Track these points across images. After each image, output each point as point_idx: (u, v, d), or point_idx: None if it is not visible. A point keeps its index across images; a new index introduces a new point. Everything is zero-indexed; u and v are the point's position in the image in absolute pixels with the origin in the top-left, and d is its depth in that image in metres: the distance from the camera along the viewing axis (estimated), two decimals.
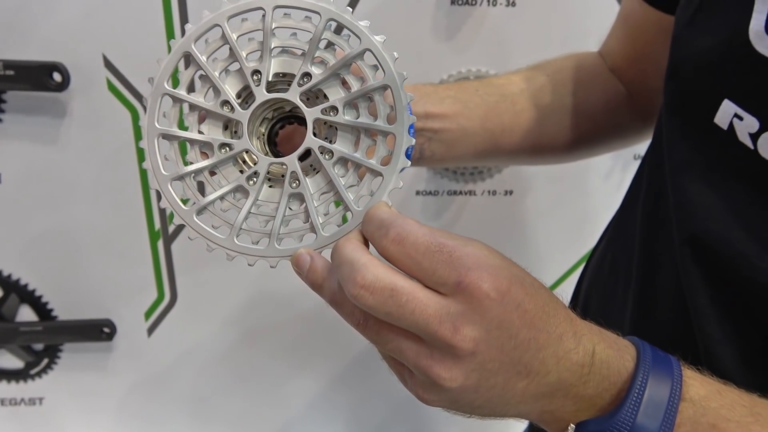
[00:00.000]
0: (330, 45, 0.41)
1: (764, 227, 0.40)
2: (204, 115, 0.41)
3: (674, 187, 0.46)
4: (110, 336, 0.96)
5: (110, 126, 0.88)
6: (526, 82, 0.62)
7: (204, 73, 0.40)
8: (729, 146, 0.41)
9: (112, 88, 0.86)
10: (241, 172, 0.41)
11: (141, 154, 0.91)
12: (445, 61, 0.92)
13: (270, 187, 0.41)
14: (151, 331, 1.01)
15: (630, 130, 0.67)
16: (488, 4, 0.90)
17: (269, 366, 1.06)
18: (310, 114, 0.40)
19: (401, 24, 0.89)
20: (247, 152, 0.41)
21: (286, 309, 1.02)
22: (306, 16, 0.41)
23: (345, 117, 0.40)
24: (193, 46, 0.40)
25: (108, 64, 0.85)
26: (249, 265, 0.39)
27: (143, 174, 0.93)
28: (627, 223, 0.58)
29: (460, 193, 1.00)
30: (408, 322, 0.33)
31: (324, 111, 0.40)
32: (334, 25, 0.40)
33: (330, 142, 0.41)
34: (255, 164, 0.41)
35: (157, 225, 0.96)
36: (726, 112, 0.41)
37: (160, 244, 0.97)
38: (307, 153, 0.41)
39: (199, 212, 0.39)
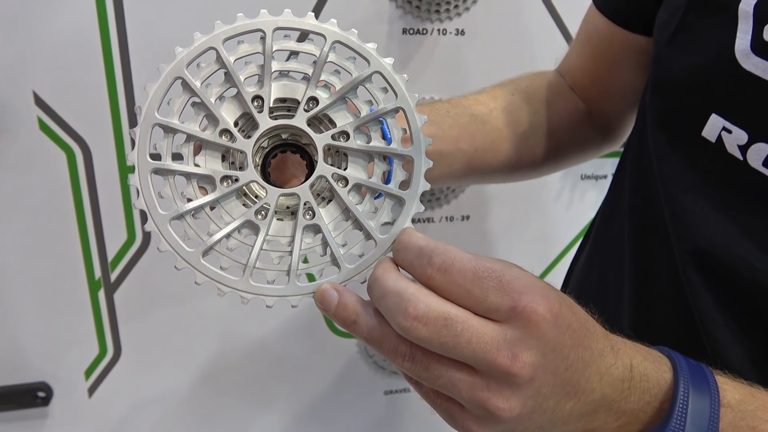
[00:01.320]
0: (333, 67, 0.39)
1: (759, 232, 0.42)
2: (199, 145, 0.37)
3: (668, 198, 0.47)
4: (46, 401, 0.86)
5: (43, 169, 0.80)
6: (494, 101, 0.62)
7: (199, 100, 0.36)
8: (718, 158, 0.43)
9: (44, 127, 0.79)
10: (245, 205, 0.37)
11: (77, 198, 0.84)
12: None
13: (279, 220, 0.37)
14: (92, 390, 0.91)
15: (591, 145, 0.68)
16: (438, 33, 0.91)
17: (227, 412, 0.99)
18: (320, 140, 0.37)
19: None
20: (250, 184, 0.37)
21: (242, 350, 0.96)
22: (308, 38, 0.38)
23: (357, 142, 0.38)
24: (186, 71, 0.36)
25: (39, 102, 0.78)
26: (267, 306, 0.35)
27: (81, 219, 0.85)
28: (611, 234, 0.58)
29: (418, 220, 0.99)
30: (464, 353, 0.31)
31: (334, 137, 0.38)
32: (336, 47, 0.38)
33: (341, 168, 0.38)
34: (257, 197, 0.38)
35: (98, 273, 0.88)
36: (714, 125, 0.43)
37: (101, 294, 0.88)
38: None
39: (205, 253, 0.35)
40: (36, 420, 0.89)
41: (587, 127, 0.66)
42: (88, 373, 0.90)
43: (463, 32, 0.91)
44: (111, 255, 0.88)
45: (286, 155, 0.41)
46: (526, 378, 0.31)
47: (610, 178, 1.10)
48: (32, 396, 0.85)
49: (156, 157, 0.35)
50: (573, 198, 1.10)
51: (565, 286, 0.68)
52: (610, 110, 0.65)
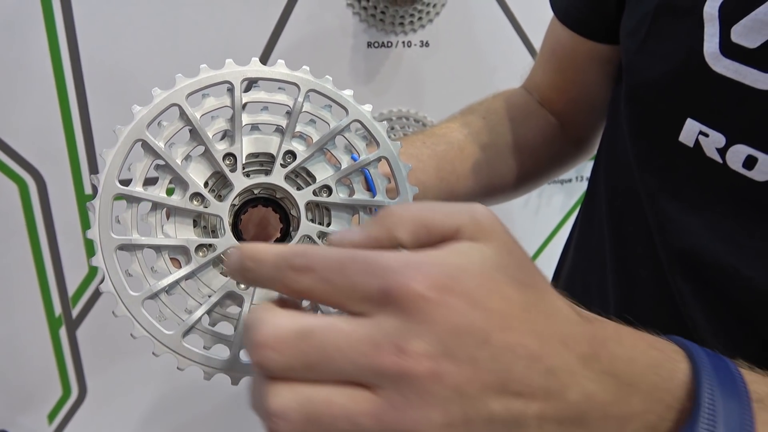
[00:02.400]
0: (308, 117, 0.36)
1: (744, 236, 0.41)
2: (168, 212, 0.34)
3: (652, 208, 0.47)
4: None
5: None
6: (467, 128, 0.61)
7: (163, 163, 0.33)
8: (697, 163, 0.42)
9: None
10: (223, 274, 0.34)
11: (32, 232, 0.79)
12: (366, 104, 0.89)
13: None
14: None
15: (566, 158, 0.68)
16: (403, 46, 0.89)
17: None
18: (302, 197, 0.35)
19: (318, 68, 0.85)
20: (229, 250, 0.34)
21: (218, 388, 0.92)
22: (279, 87, 0.36)
23: (340, 195, 0.35)
24: (147, 132, 0.33)
25: None
26: None
27: (36, 253, 0.80)
28: (591, 242, 0.58)
29: None
30: (339, 366, 0.24)
31: (316, 192, 0.35)
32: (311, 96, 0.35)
33: (323, 224, 0.36)
34: None
35: (58, 310, 0.83)
36: (690, 130, 0.43)
37: (63, 332, 0.84)
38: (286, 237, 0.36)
39: (186, 334, 0.32)
40: None
41: (562, 141, 0.65)
42: (52, 416, 0.86)
43: (427, 44, 0.90)
44: (71, 290, 0.83)
45: (257, 210, 0.38)
46: (425, 373, 0.23)
47: (575, 182, 1.10)
48: None
49: (119, 229, 0.32)
50: (541, 203, 1.10)
51: None
52: (581, 122, 0.65)
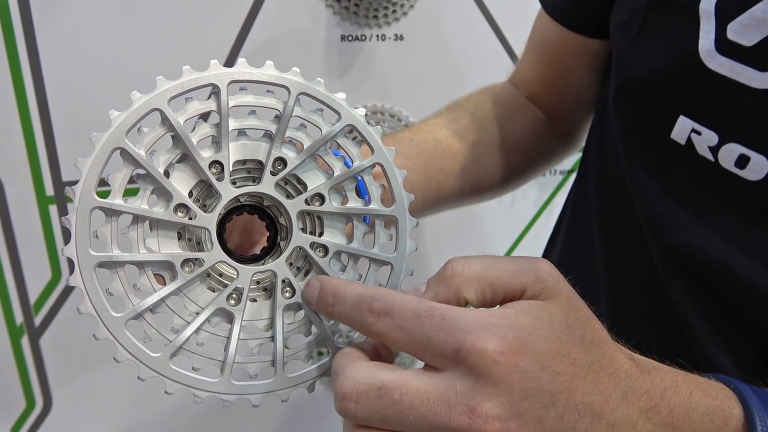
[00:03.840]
0: (299, 121, 0.34)
1: (736, 235, 0.41)
2: (150, 225, 0.32)
3: (641, 204, 0.46)
4: None
5: None
6: (454, 124, 0.60)
7: (144, 172, 0.31)
8: (689, 160, 0.42)
9: None
10: (211, 289, 0.32)
11: None
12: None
13: (252, 301, 0.33)
14: None
15: (554, 153, 0.68)
16: (378, 39, 0.87)
17: None
18: (293, 206, 0.33)
19: (291, 62, 0.82)
20: (216, 264, 0.32)
21: (191, 404, 0.90)
22: (268, 90, 0.33)
23: (333, 204, 0.34)
24: (126, 140, 0.30)
25: None
26: (254, 406, 0.31)
27: None
28: (579, 242, 0.57)
29: None
30: (412, 421, 0.26)
31: (308, 200, 0.33)
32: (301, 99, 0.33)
33: (316, 234, 0.34)
34: (221, 274, 0.33)
35: (19, 319, 0.79)
36: (683, 127, 0.42)
37: (25, 341, 0.80)
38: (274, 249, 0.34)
39: (173, 355, 0.30)
40: None
41: (549, 135, 0.65)
42: (15, 429, 0.81)
43: (402, 37, 0.88)
44: (33, 297, 0.79)
45: (241, 217, 0.36)
46: None
47: (549, 176, 1.11)
48: None
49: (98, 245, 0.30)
50: (515, 196, 1.09)
51: None
52: (569, 116, 0.64)
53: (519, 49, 0.94)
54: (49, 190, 0.75)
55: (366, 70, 0.88)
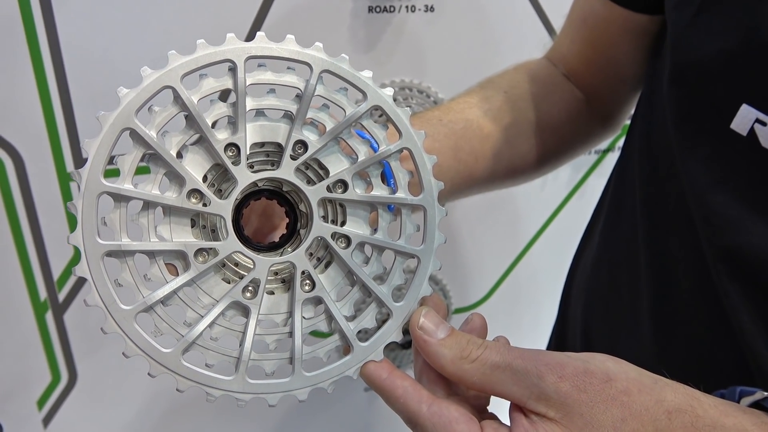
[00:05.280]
0: (321, 101, 0.32)
1: None
2: (163, 210, 0.30)
3: (695, 199, 0.43)
4: None
5: None
6: (486, 103, 0.56)
7: (155, 153, 0.29)
8: (750, 153, 0.39)
9: None
10: (225, 280, 0.30)
11: (11, 213, 0.74)
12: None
13: (269, 294, 0.31)
14: (47, 421, 0.83)
15: (592, 135, 0.64)
16: (407, 10, 0.83)
17: None
18: (314, 193, 0.30)
19: (316, 35, 0.79)
20: (232, 254, 0.30)
21: None
22: (288, 67, 0.31)
23: (357, 191, 0.31)
24: (135, 120, 0.28)
25: None
26: (270, 405, 0.29)
27: (17, 236, 0.75)
28: (620, 232, 0.54)
29: None
30: None
31: (329, 188, 0.31)
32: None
33: (338, 223, 0.32)
34: (236, 264, 0.31)
35: (43, 295, 0.79)
36: (745, 117, 0.39)
37: (49, 316, 0.80)
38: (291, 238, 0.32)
39: (186, 351, 0.28)
40: None
41: (588, 116, 0.61)
42: (41, 402, 0.82)
43: (432, 8, 0.84)
44: (57, 273, 0.79)
45: (260, 201, 0.34)
46: None
47: (582, 156, 1.06)
48: None
49: (107, 233, 0.28)
50: (546, 177, 1.05)
51: (569, 286, 0.64)
52: (610, 97, 0.60)
53: (558, 23, 0.89)
54: (70, 166, 0.74)
55: (394, 43, 0.84)
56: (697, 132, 0.43)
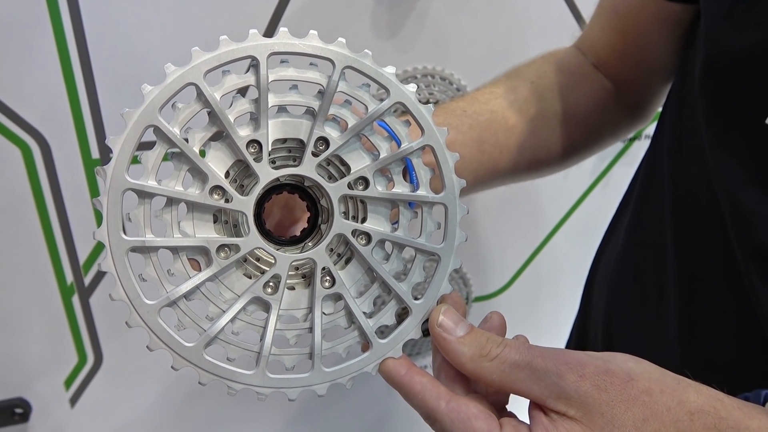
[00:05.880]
0: (343, 97, 0.31)
1: None
2: (186, 205, 0.30)
3: (726, 196, 0.42)
4: (25, 417, 0.81)
5: None
6: (512, 93, 0.55)
7: (179, 150, 0.29)
8: None
9: None
10: (247, 275, 0.31)
11: (39, 198, 0.76)
12: (389, 61, 0.83)
13: (290, 289, 0.31)
14: (74, 401, 0.86)
15: (620, 127, 0.63)
16: None
17: (219, 420, 0.94)
18: (335, 190, 0.30)
19: (338, 22, 0.79)
20: (254, 250, 0.30)
21: None
22: (311, 63, 0.31)
23: (378, 188, 0.31)
24: (159, 117, 0.28)
25: None
26: (290, 400, 0.30)
27: (45, 220, 0.77)
28: (648, 227, 0.53)
29: None
30: None
31: (351, 185, 0.31)
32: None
33: (359, 219, 0.32)
34: (258, 259, 0.31)
35: (69, 278, 0.80)
36: None
37: (76, 299, 0.81)
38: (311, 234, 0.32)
39: (208, 345, 0.29)
40: None
41: (616, 107, 0.60)
42: (68, 383, 0.84)
43: None
44: (83, 257, 0.80)
45: (281, 196, 0.34)
46: None
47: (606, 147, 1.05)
48: (9, 413, 0.79)
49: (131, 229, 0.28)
50: (570, 169, 1.04)
51: (591, 280, 0.63)
52: (640, 88, 0.59)
53: (587, 11, 0.87)
54: (95, 153, 0.75)
55: (417, 29, 0.83)
56: (729, 127, 0.42)
